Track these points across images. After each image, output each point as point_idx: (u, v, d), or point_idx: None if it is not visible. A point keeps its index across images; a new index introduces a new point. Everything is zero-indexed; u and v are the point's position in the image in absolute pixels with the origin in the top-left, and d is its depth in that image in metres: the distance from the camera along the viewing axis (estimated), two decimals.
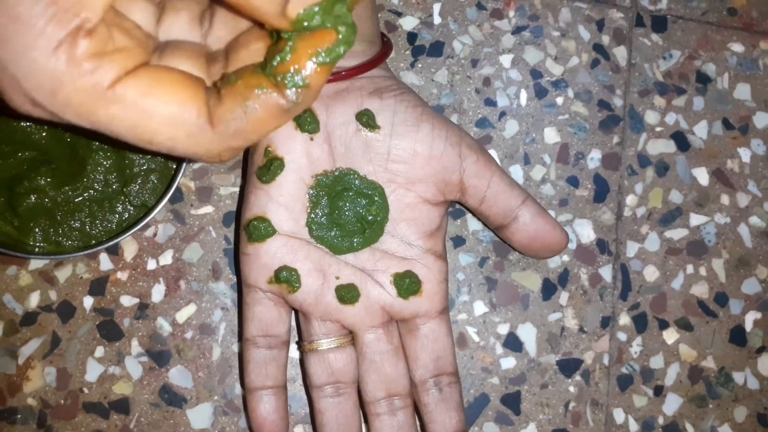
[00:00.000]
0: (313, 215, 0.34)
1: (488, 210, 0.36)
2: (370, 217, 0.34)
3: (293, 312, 0.36)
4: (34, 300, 0.39)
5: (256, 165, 0.34)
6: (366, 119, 0.34)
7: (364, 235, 0.35)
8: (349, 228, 0.35)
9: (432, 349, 0.35)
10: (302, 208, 0.34)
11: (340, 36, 0.22)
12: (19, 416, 0.38)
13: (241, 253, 0.35)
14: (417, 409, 0.36)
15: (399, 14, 0.42)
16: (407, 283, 0.34)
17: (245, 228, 0.34)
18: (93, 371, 0.38)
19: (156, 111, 0.22)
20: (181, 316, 0.39)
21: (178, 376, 0.39)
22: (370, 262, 0.35)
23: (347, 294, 0.34)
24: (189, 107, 0.22)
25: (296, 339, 0.38)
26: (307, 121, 0.34)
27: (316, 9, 0.21)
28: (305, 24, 0.21)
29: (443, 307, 0.35)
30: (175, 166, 0.38)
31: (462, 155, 0.34)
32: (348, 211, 0.34)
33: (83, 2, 0.20)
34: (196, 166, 0.40)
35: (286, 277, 0.34)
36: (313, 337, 0.35)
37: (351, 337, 0.35)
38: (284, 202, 0.34)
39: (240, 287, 0.39)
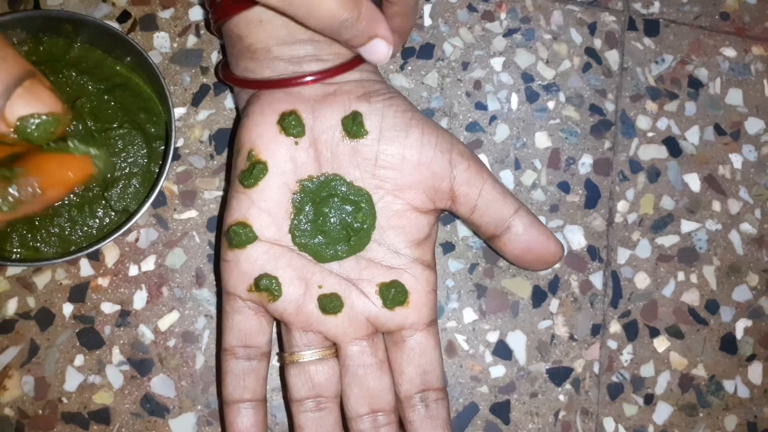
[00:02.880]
0: (296, 221, 0.33)
1: (479, 219, 0.34)
2: (356, 225, 0.33)
3: (275, 322, 0.35)
4: (11, 307, 0.38)
5: (239, 169, 0.33)
6: (353, 123, 0.33)
7: (350, 243, 0.34)
8: (333, 235, 0.34)
9: (418, 363, 0.34)
10: (285, 214, 0.33)
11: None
12: None
13: (222, 259, 0.34)
14: (402, 426, 0.34)
15: None
16: (393, 294, 0.33)
17: (225, 234, 0.33)
18: (72, 380, 0.37)
19: None
20: (164, 323, 0.38)
21: (160, 385, 0.38)
22: (355, 271, 0.34)
23: (330, 304, 0.33)
24: None
25: (277, 350, 0.37)
26: (292, 125, 0.32)
27: (34, 123, 0.22)
28: (25, 138, 0.22)
29: (431, 319, 0.34)
30: (157, 170, 0.37)
31: (452, 162, 0.33)
32: (333, 217, 0.33)
33: None
34: (179, 169, 0.39)
35: (266, 285, 0.33)
36: (294, 348, 0.34)
37: (334, 349, 0.34)
38: (267, 208, 0.33)
39: (220, 295, 0.38)
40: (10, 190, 0.23)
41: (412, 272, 0.34)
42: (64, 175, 0.24)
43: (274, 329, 0.36)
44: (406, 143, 0.33)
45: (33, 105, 0.22)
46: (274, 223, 0.33)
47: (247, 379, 0.33)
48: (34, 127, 0.22)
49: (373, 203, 0.33)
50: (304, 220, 0.33)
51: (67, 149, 0.25)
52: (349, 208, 0.33)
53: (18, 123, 0.22)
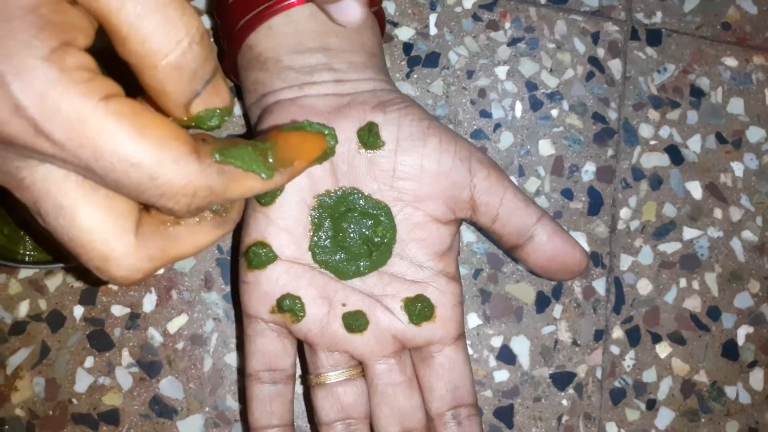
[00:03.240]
0: (316, 238, 0.32)
1: (502, 229, 0.33)
2: (377, 239, 0.33)
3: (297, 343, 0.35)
4: (23, 309, 0.38)
5: None
6: (369, 134, 0.32)
7: (371, 258, 0.33)
8: (354, 251, 0.33)
9: (449, 379, 0.33)
10: (304, 231, 0.32)
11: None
12: (6, 427, 0.37)
13: (241, 281, 0.33)
14: None
15: (395, 24, 0.42)
16: (419, 308, 0.32)
17: (244, 254, 0.32)
18: (82, 382, 0.38)
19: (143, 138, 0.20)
20: (173, 326, 0.39)
21: (168, 387, 0.38)
22: (378, 286, 0.33)
23: (355, 322, 0.32)
24: (178, 139, 0.21)
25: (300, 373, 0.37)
26: None
27: (216, 115, 0.23)
28: (200, 125, 0.23)
29: (459, 333, 0.33)
30: None
31: (472, 171, 0.32)
32: (353, 233, 0.33)
33: (74, 24, 0.20)
34: None
35: (289, 306, 0.32)
36: (320, 369, 0.33)
37: (360, 368, 0.33)
38: (285, 226, 0.32)
39: (236, 305, 0.39)
40: (269, 159, 0.23)
41: (436, 285, 0.33)
42: (306, 149, 0.25)
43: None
44: (425, 153, 0.32)
45: (214, 101, 0.22)
46: (293, 241, 0.32)
47: (273, 404, 0.32)
48: (212, 119, 0.23)
49: (393, 216, 0.33)
50: (323, 237, 0.33)
51: (303, 127, 0.26)
52: (368, 222, 0.33)
53: (196, 114, 0.22)
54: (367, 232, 0.33)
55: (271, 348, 0.33)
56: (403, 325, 0.33)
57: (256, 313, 0.33)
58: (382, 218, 0.33)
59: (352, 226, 0.33)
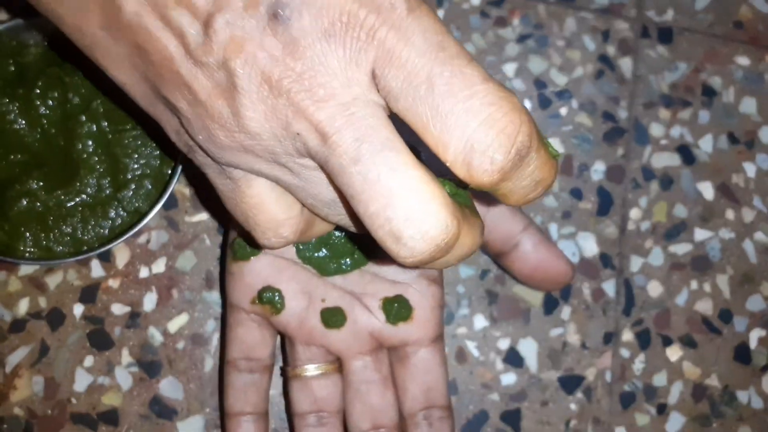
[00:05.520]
0: None
1: (487, 235, 0.34)
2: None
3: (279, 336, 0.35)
4: (23, 307, 0.38)
5: None
6: None
7: (353, 256, 0.33)
8: (338, 248, 0.33)
9: (422, 380, 0.33)
10: None
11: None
12: (5, 426, 0.37)
13: (226, 272, 0.34)
14: None
15: None
16: (396, 309, 0.33)
17: (230, 245, 0.33)
18: (82, 381, 0.37)
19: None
20: (173, 325, 0.38)
21: (168, 387, 0.37)
22: (359, 285, 0.33)
23: (332, 318, 0.33)
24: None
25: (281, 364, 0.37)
26: None
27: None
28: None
29: (436, 335, 0.34)
30: (169, 172, 0.37)
31: None
32: (338, 230, 0.33)
33: None
34: (191, 172, 0.39)
35: (269, 298, 0.32)
36: (298, 362, 0.33)
37: (338, 364, 0.34)
38: None
39: (224, 306, 0.38)
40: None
41: (417, 287, 0.33)
42: (547, 171, 0.23)
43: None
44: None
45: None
46: None
47: (248, 392, 0.33)
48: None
49: None
50: None
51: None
52: None
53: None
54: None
55: (249, 338, 0.33)
56: (380, 323, 0.33)
57: (238, 303, 0.33)
58: None
59: None
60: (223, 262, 0.38)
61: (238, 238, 0.33)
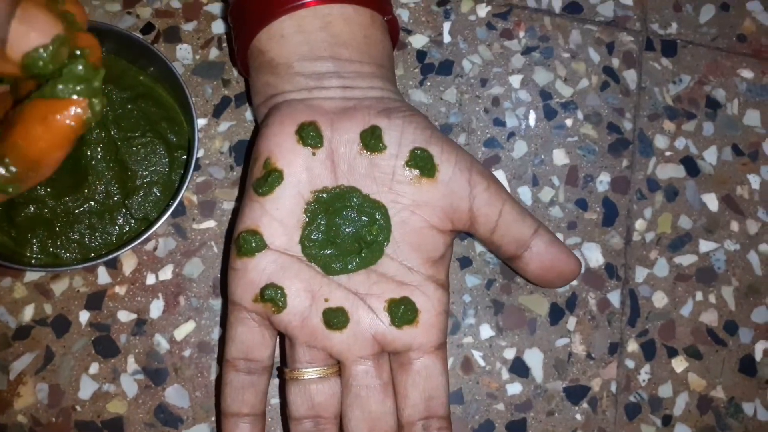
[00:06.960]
0: (307, 232, 0.33)
1: (500, 240, 0.34)
2: (369, 237, 0.33)
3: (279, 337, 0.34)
4: (28, 313, 0.38)
5: (254, 177, 0.33)
6: (371, 137, 0.32)
7: (361, 255, 0.33)
8: (345, 247, 0.33)
9: (423, 388, 0.32)
10: (297, 224, 0.33)
11: (82, 109, 0.19)
12: None
13: (230, 267, 0.33)
14: None
15: (409, 32, 0.42)
16: (402, 311, 0.32)
17: (235, 241, 0.33)
18: (87, 388, 0.37)
19: None
20: (180, 333, 0.38)
21: (174, 395, 0.37)
22: (364, 285, 0.33)
23: (334, 318, 0.32)
24: None
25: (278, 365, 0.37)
26: (310, 135, 0.32)
27: (43, 54, 0.19)
28: (36, 72, 0.19)
29: (440, 342, 0.33)
30: (178, 179, 0.37)
31: (472, 182, 0.33)
32: (346, 228, 0.33)
33: None
34: (199, 179, 0.39)
35: (271, 296, 0.32)
36: (297, 364, 0.33)
37: (337, 367, 0.33)
38: (279, 217, 0.32)
39: (225, 304, 0.38)
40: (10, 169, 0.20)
41: (424, 290, 0.33)
42: (55, 128, 0.20)
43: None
44: None
45: (32, 36, 0.19)
46: (285, 233, 0.33)
47: (246, 393, 0.32)
48: (43, 60, 0.19)
49: (389, 217, 0.33)
50: (316, 231, 0.33)
51: (47, 95, 0.21)
52: (364, 219, 0.33)
53: (24, 60, 0.19)
54: (360, 230, 0.33)
55: (249, 337, 0.33)
56: (384, 326, 0.32)
57: (240, 301, 0.33)
58: (377, 217, 0.33)
59: (346, 222, 0.33)
60: (225, 261, 0.38)
61: (243, 233, 0.32)
